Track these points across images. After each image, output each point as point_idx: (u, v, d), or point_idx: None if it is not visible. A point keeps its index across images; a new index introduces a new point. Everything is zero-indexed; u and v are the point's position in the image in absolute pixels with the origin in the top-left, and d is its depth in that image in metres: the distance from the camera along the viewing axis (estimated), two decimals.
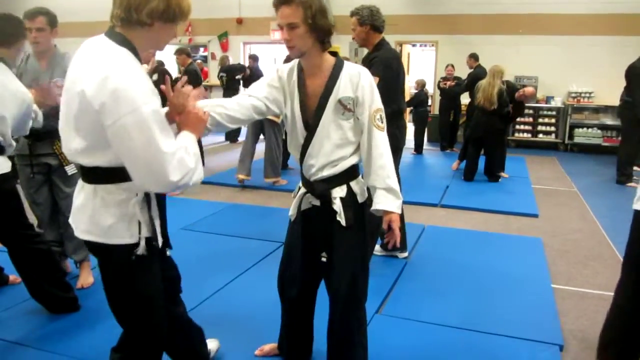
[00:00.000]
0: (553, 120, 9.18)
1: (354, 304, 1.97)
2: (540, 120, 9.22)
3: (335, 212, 1.89)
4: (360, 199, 1.93)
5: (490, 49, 8.55)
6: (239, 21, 11.05)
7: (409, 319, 2.76)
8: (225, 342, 2.41)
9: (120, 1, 1.44)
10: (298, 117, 1.91)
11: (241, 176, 5.71)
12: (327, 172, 1.90)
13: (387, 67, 3.12)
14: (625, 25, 8.47)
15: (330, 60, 1.88)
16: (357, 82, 1.84)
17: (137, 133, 1.36)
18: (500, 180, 6.29)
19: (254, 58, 9.24)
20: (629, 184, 6.19)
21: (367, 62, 3.17)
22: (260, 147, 5.81)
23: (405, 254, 3.66)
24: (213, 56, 11.45)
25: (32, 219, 2.80)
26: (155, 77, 5.55)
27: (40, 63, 2.84)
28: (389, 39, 3.38)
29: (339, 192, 1.90)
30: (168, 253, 1.76)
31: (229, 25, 11.17)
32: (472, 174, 6.27)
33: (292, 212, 2.06)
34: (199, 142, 1.92)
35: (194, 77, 5.81)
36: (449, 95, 8.21)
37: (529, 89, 6.06)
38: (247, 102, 1.88)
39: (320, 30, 1.76)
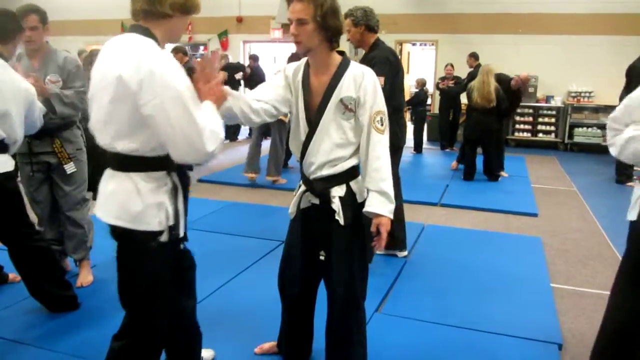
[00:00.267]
0: (553, 120, 9.17)
1: (352, 303, 1.97)
2: (540, 119, 9.22)
3: (334, 211, 1.89)
4: (359, 199, 1.93)
5: (490, 49, 8.55)
6: (239, 20, 11.04)
7: (409, 317, 2.76)
8: (225, 339, 2.42)
9: None
10: (302, 114, 1.92)
11: (251, 175, 5.82)
12: (326, 172, 1.90)
13: (388, 65, 3.13)
14: (625, 25, 8.47)
15: (336, 59, 1.88)
16: (360, 82, 1.84)
17: (175, 108, 1.45)
18: (499, 179, 6.29)
19: (254, 58, 9.24)
20: (629, 184, 6.19)
21: (367, 63, 3.17)
22: (265, 145, 5.90)
23: (405, 253, 3.66)
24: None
25: (32, 217, 2.80)
26: None
27: (32, 62, 2.81)
28: (389, 38, 3.39)
29: (338, 191, 1.90)
30: (183, 246, 1.77)
31: (228, 23, 11.15)
32: (471, 174, 6.28)
33: (291, 209, 2.06)
34: None
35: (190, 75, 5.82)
36: (449, 95, 8.20)
37: (523, 74, 6.06)
38: (258, 106, 1.87)
39: (329, 29, 1.77)
